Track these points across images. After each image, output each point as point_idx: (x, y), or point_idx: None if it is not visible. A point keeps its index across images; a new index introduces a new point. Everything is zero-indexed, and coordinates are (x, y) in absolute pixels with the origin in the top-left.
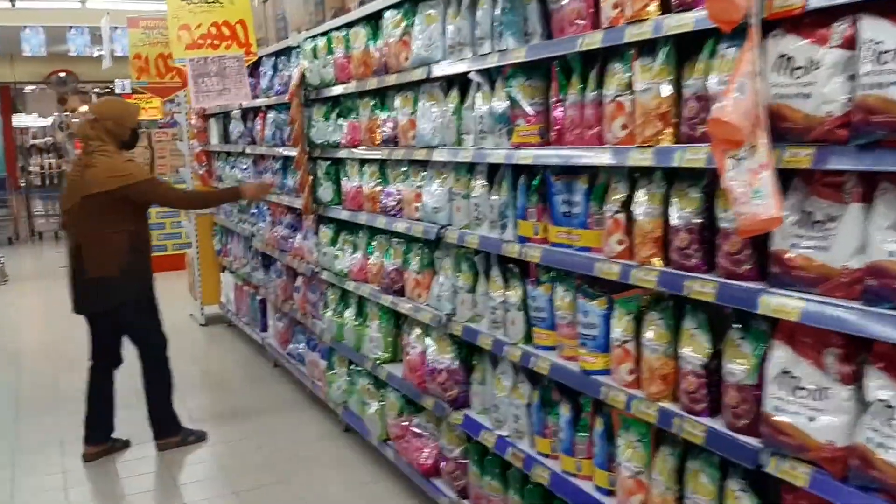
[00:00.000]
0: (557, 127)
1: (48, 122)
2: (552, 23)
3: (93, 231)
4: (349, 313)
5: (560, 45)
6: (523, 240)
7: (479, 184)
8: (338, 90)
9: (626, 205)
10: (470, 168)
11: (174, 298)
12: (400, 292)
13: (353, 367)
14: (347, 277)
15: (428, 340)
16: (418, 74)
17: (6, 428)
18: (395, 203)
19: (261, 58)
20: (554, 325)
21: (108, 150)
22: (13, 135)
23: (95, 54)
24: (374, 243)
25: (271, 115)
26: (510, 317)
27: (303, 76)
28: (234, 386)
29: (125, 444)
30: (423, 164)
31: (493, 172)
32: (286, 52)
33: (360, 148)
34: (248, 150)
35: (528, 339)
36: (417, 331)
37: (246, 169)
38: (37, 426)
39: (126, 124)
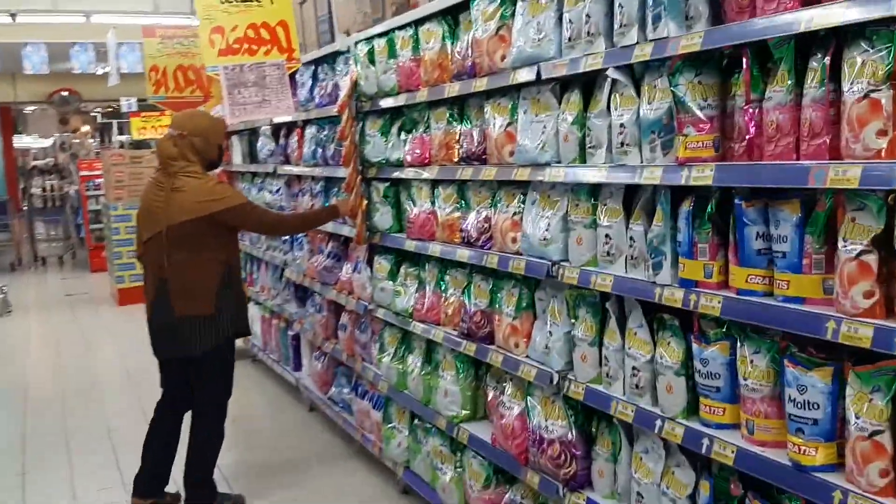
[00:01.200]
0: (747, 136)
1: (48, 142)
2: (725, 3)
3: (182, 263)
4: (414, 359)
5: (769, 26)
6: (688, 283)
7: (610, 210)
8: (400, 100)
9: (881, 241)
10: (593, 191)
11: None
12: (487, 339)
13: (417, 422)
14: (412, 318)
15: (531, 402)
16: (523, 76)
17: (11, 482)
18: (480, 232)
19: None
20: (735, 397)
21: (195, 171)
22: (14, 156)
23: (100, 72)
24: (446, 278)
25: (310, 130)
26: (664, 382)
27: (355, 85)
28: (266, 434)
29: (176, 499)
30: (521, 186)
31: (630, 196)
32: (330, 58)
33: (433, 167)
34: (280, 171)
35: (692, 411)
36: (512, 388)
37: (277, 191)
38: (46, 478)
39: (214, 141)
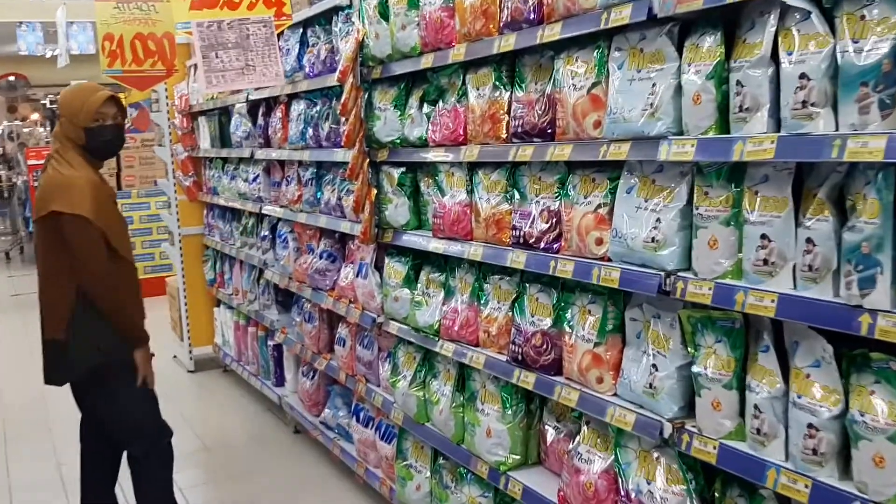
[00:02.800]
0: None
1: None
2: None
3: (41, 274)
4: (440, 386)
5: None
6: None
7: (768, 199)
8: (423, 62)
9: None
10: (732, 172)
11: (153, 336)
12: (552, 368)
13: (444, 461)
14: (438, 335)
15: (623, 455)
16: (624, 16)
17: None
18: (543, 231)
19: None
20: None
21: (63, 158)
22: None
23: (49, 54)
24: (487, 288)
25: (298, 106)
26: (868, 449)
27: (360, 47)
28: (243, 459)
29: None
30: (603, 169)
31: (799, 178)
32: (323, 17)
33: (471, 146)
34: (258, 156)
35: None
36: (591, 434)
37: (255, 179)
38: None
39: (79, 122)
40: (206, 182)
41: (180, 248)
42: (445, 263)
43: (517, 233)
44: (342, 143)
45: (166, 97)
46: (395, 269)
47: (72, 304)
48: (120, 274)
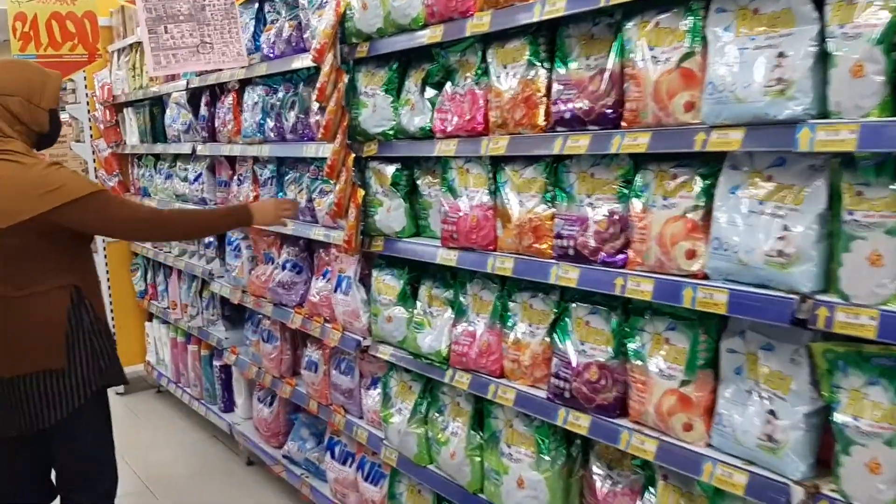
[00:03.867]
0: None
1: None
2: None
3: (18, 291)
4: (449, 424)
5: None
6: None
7: None
8: (425, 36)
9: None
10: None
11: None
12: (614, 409)
13: None
14: (446, 363)
15: None
16: None
17: None
18: (603, 239)
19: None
20: None
21: (14, 150)
22: None
23: None
24: (513, 306)
25: (254, 94)
26: None
27: (342, 20)
28: (192, 497)
29: None
30: (684, 163)
31: None
32: None
33: (495, 137)
34: (202, 151)
35: None
36: (670, 493)
37: (196, 179)
38: None
39: (43, 102)
40: (135, 182)
41: (105, 257)
42: (453, 277)
43: (563, 242)
44: (317, 136)
45: (85, 86)
46: (387, 283)
47: (66, 316)
48: (153, 212)
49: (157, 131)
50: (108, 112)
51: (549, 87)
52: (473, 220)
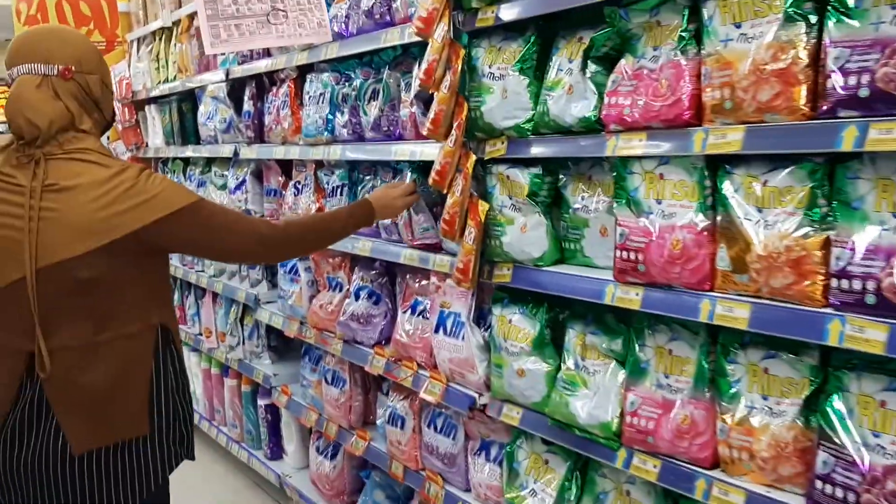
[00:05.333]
0: None
1: None
2: None
3: (78, 348)
4: None
5: None
6: None
7: None
8: None
9: None
10: None
11: None
12: None
13: None
14: (618, 441)
15: None
16: None
17: None
18: None
19: None
20: None
21: (93, 148)
22: None
23: None
24: (733, 368)
25: (318, 82)
26: None
27: None
28: None
29: None
30: None
31: None
32: None
33: (718, 125)
34: (246, 154)
35: None
36: None
37: (240, 186)
38: None
39: (109, 80)
40: None
41: None
42: (623, 321)
43: (851, 284)
44: (408, 133)
45: None
46: (516, 325)
47: (152, 365)
48: (270, 227)
49: (186, 131)
50: (126, 110)
51: (816, 53)
52: (675, 247)
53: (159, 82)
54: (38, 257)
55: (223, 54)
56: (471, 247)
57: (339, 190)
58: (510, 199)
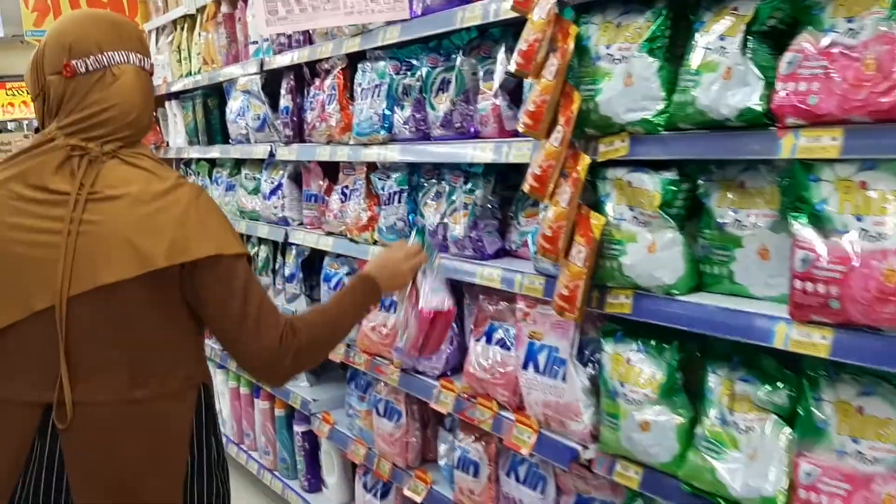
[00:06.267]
0: None
1: None
2: None
3: (111, 403)
4: None
5: None
6: None
7: None
8: None
9: None
10: None
11: None
12: None
13: None
14: None
15: None
16: None
17: None
18: None
19: None
20: None
21: (149, 155)
22: None
23: None
24: None
25: (373, 72)
26: None
27: None
28: None
29: None
30: None
31: None
32: None
33: None
34: (284, 155)
35: None
36: None
37: (276, 191)
38: None
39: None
40: None
41: None
42: (789, 366)
43: None
44: (502, 129)
45: None
46: (638, 366)
47: (191, 432)
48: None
49: (212, 129)
50: None
51: None
52: (890, 279)
53: (181, 76)
54: (72, 280)
55: (254, 42)
56: (579, 269)
57: (396, 197)
58: (631, 210)
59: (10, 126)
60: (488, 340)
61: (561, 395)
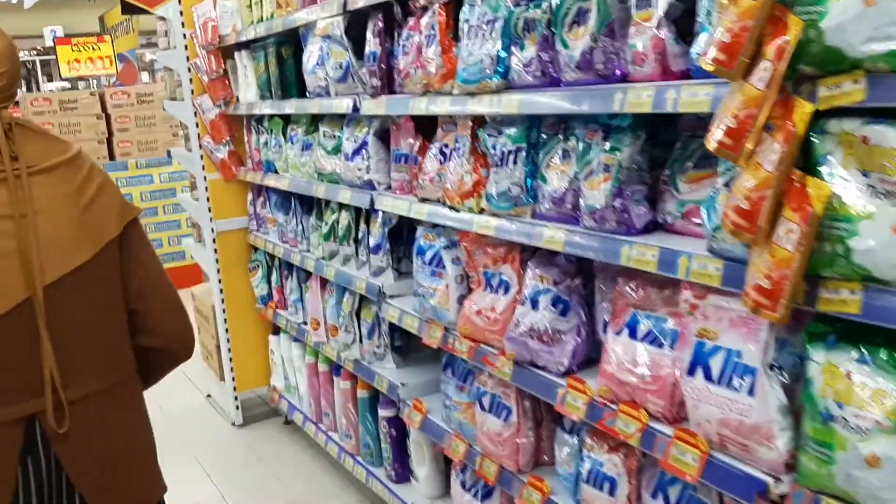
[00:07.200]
0: None
1: None
2: None
3: (99, 384)
4: None
5: None
6: None
7: None
8: None
9: None
10: None
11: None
12: None
13: None
14: None
15: None
16: None
17: None
18: None
19: None
20: None
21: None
22: None
23: None
24: None
25: (484, 4)
26: None
27: None
28: None
29: None
30: None
31: None
32: None
33: None
34: (369, 109)
35: None
36: None
37: (360, 151)
38: None
39: None
40: (253, 154)
41: (215, 251)
42: None
43: None
44: (664, 70)
45: (182, 25)
46: (864, 382)
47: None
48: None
49: (286, 82)
50: (213, 59)
51: None
52: None
53: (252, 23)
54: (44, 267)
55: None
56: (789, 254)
57: (510, 156)
58: (865, 176)
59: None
60: (632, 334)
61: (746, 413)
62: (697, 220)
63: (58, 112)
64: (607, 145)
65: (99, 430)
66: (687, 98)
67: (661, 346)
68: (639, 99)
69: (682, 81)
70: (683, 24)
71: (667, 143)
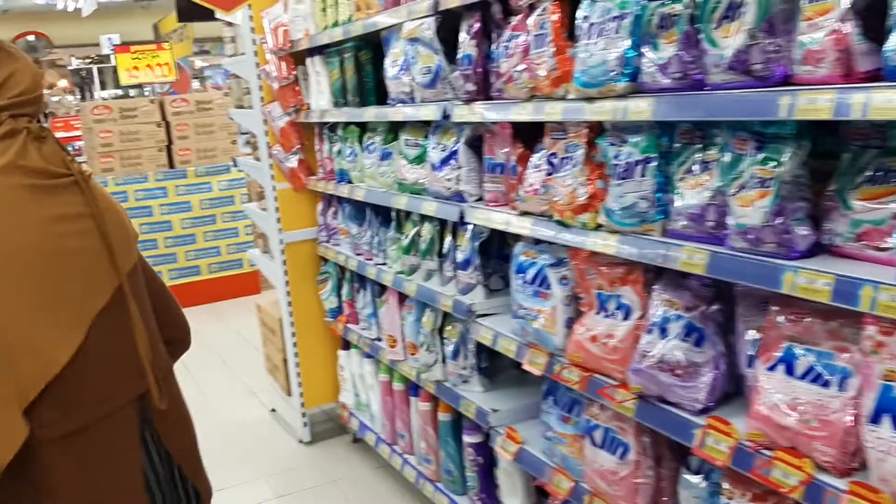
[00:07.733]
0: None
1: None
2: None
3: (166, 363)
4: None
5: None
6: None
7: None
8: None
9: None
10: None
11: (225, 377)
12: None
13: None
14: None
15: None
16: None
17: None
18: None
19: None
20: None
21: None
22: None
23: (70, 7)
24: None
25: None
26: None
27: None
28: None
29: None
30: None
31: None
32: None
33: None
34: (462, 116)
35: None
36: None
37: (447, 160)
38: None
39: None
40: (324, 162)
41: (284, 262)
42: None
43: None
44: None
45: (252, 30)
46: None
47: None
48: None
49: (364, 88)
50: (284, 65)
51: None
52: None
53: (326, 27)
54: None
55: None
56: None
57: (637, 167)
58: None
59: (132, 93)
60: (789, 371)
61: None
62: (878, 244)
63: (118, 120)
64: (761, 156)
65: (176, 405)
66: (881, 104)
67: (825, 385)
68: (814, 105)
69: (873, 84)
70: (872, 19)
71: (824, 154)
